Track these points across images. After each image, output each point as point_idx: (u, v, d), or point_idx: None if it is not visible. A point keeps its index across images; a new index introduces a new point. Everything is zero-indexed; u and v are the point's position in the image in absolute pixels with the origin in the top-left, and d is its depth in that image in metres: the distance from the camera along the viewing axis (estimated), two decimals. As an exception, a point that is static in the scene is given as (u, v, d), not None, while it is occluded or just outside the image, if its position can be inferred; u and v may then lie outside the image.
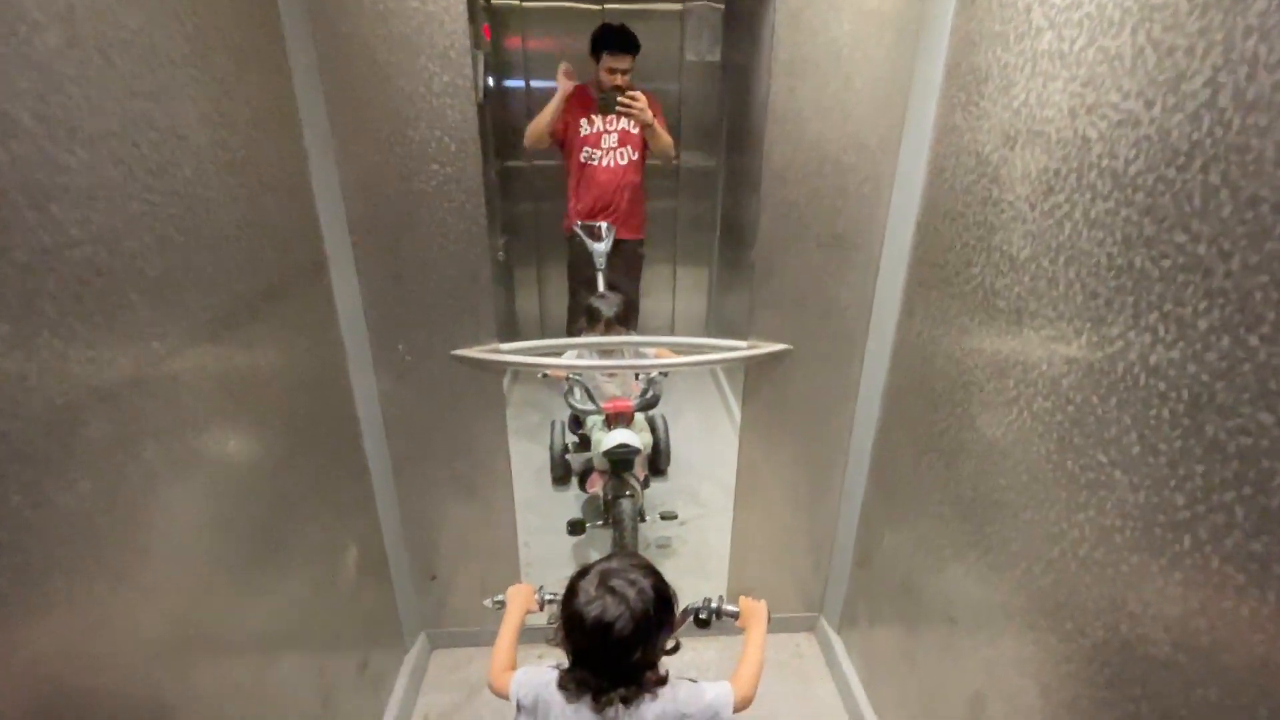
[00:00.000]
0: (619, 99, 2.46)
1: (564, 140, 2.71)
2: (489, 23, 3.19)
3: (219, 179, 0.92)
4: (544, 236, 3.60)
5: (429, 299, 1.41)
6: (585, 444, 2.53)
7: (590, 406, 2.05)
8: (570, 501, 2.50)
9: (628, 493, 2.03)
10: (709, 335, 3.75)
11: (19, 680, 0.61)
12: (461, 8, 1.20)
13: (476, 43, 2.92)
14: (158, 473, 0.79)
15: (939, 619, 1.27)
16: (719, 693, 0.96)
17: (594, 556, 2.29)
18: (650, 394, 2.09)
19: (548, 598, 1.17)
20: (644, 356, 2.15)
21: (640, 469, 2.16)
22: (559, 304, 3.62)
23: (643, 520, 2.09)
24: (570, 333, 2.96)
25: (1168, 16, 0.72)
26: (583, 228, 2.64)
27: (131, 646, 0.75)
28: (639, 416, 2.17)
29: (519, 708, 0.98)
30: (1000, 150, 1.03)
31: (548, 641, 0.99)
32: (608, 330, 2.10)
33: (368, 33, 1.19)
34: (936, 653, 1.29)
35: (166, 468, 0.81)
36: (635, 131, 2.68)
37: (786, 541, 1.77)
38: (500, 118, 3.40)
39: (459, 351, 1.47)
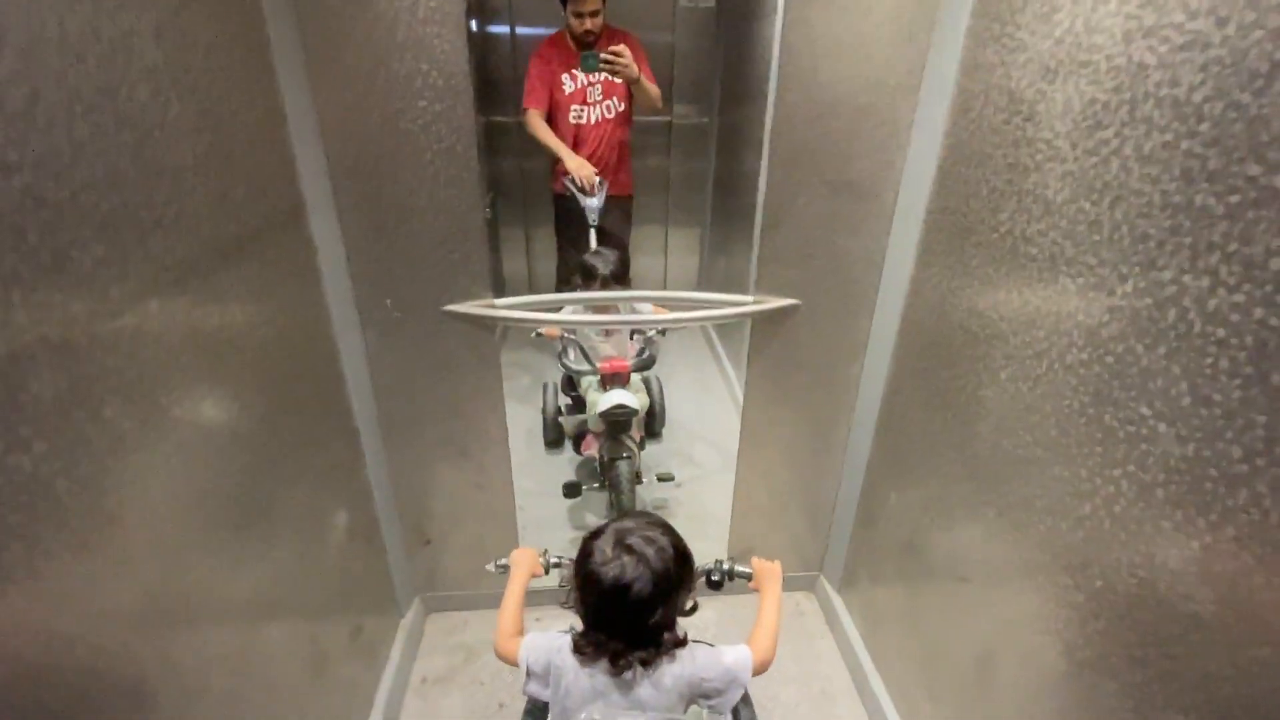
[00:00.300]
0: (602, 57, 2.31)
1: (551, 100, 2.56)
2: (470, -40, 3.00)
3: (179, 105, 0.82)
4: (531, 195, 3.46)
5: (417, 250, 1.32)
6: (579, 406, 2.48)
7: (585, 367, 1.98)
8: (564, 464, 2.45)
9: (624, 454, 1.99)
10: (674, 321, 3.70)
11: (-26, 662, 0.55)
12: (447, -80, 1.08)
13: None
14: (124, 434, 0.72)
15: (947, 577, 1.25)
16: (738, 656, 0.93)
17: (590, 519, 2.31)
18: (647, 354, 2.02)
19: (553, 561, 1.13)
20: (642, 314, 2.07)
21: (636, 430, 2.11)
22: (547, 265, 3.51)
23: (640, 482, 2.05)
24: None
25: (1253, -83, 0.64)
26: (574, 183, 2.52)
27: (102, 620, 0.69)
28: (635, 377, 2.10)
29: (529, 674, 0.94)
30: (1037, 85, 0.96)
31: (560, 604, 0.94)
32: (604, 288, 2.01)
33: (343, -52, 1.07)
34: (943, 611, 1.27)
35: (134, 429, 0.73)
36: (619, 81, 2.55)
37: (788, 501, 1.74)
38: (483, 68, 3.23)
39: (450, 307, 1.39)
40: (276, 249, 1.10)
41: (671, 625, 0.91)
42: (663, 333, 2.01)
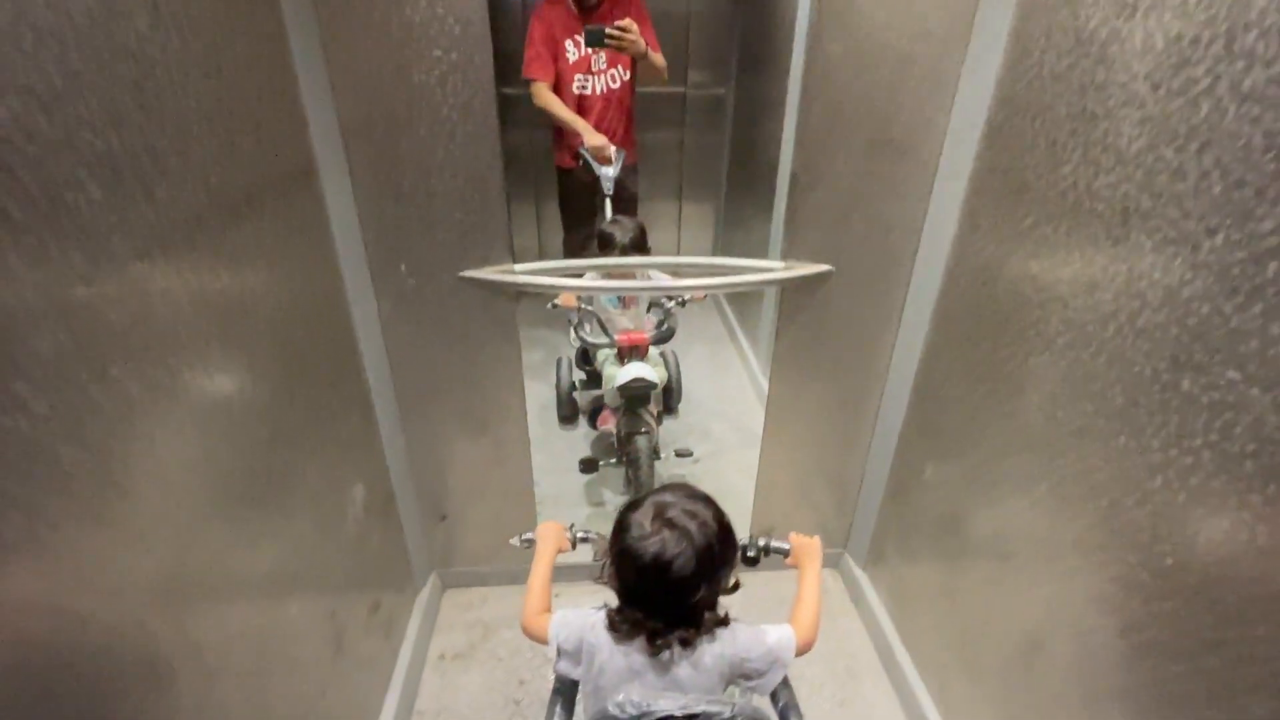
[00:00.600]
0: (607, 32, 2.20)
1: (555, 70, 2.45)
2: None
3: (180, 42, 0.75)
4: (541, 168, 3.35)
5: (432, 212, 1.26)
6: (593, 381, 2.43)
7: (602, 340, 1.92)
8: (578, 440, 2.41)
9: (643, 429, 1.94)
10: (702, 286, 3.60)
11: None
12: None
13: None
14: (133, 398, 0.66)
15: (989, 554, 1.20)
16: (781, 636, 0.88)
17: (607, 495, 2.27)
18: (666, 326, 1.96)
19: (580, 535, 1.08)
20: (655, 272, 2.01)
21: (654, 405, 2.06)
22: (558, 239, 3.43)
23: (658, 458, 2.00)
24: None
25: None
26: (590, 150, 2.43)
27: (116, 597, 0.64)
28: (652, 351, 2.05)
29: (560, 652, 0.89)
30: (1112, 23, 0.88)
31: (594, 580, 0.90)
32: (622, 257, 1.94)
33: (353, -122, 0.99)
34: (983, 589, 1.23)
35: (143, 393, 0.68)
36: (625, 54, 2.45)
37: (813, 476, 1.69)
38: (492, 37, 3.11)
39: (467, 273, 1.32)
40: (288, 209, 1.04)
41: (714, 604, 0.86)
42: (683, 304, 1.94)
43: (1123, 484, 0.88)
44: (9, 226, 0.52)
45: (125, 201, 0.65)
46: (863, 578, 1.72)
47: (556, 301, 1.92)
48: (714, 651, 0.85)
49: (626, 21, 2.17)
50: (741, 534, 1.08)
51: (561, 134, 2.61)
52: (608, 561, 0.87)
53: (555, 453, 2.30)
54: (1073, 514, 0.98)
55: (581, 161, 2.50)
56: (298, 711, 1.04)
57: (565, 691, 0.94)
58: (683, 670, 0.84)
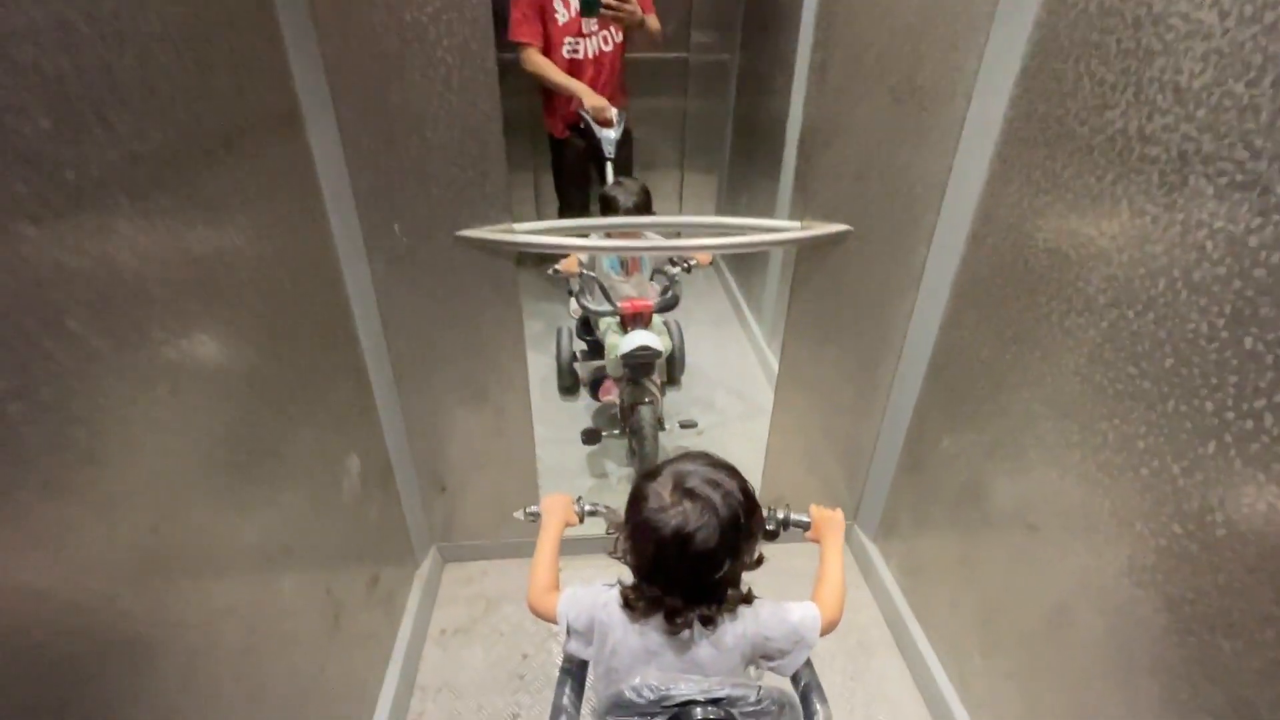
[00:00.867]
0: (603, 1, 2.06)
1: (544, 33, 2.33)
2: None
3: (141, -46, 0.66)
4: (539, 135, 3.22)
5: (427, 165, 1.17)
6: (594, 351, 2.36)
7: (605, 307, 1.85)
8: (580, 411, 2.35)
9: (646, 399, 1.88)
10: (720, 260, 3.50)
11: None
12: None
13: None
14: (96, 353, 0.60)
15: (1013, 525, 1.15)
16: (805, 614, 0.83)
17: (610, 467, 2.22)
18: (670, 294, 1.89)
19: (587, 509, 1.02)
20: (660, 238, 1.94)
21: (658, 375, 1.99)
22: (555, 212, 3.33)
23: (663, 428, 1.94)
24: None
25: None
26: (590, 111, 2.33)
27: (81, 573, 0.58)
28: (656, 319, 1.98)
29: (569, 631, 0.84)
30: (1174, -55, 0.80)
31: (608, 554, 0.84)
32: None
33: None
34: (1005, 561, 1.18)
35: (108, 348, 0.61)
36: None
37: (823, 445, 1.64)
38: None
39: (465, 232, 1.25)
40: (270, 157, 0.96)
41: (737, 579, 0.80)
42: (688, 269, 1.87)
43: (1171, 450, 0.82)
44: (-68, 146, 0.45)
45: (78, 132, 0.58)
46: (873, 550, 1.68)
47: (557, 267, 1.84)
48: (735, 630, 0.79)
49: None
50: (771, 504, 1.03)
51: (553, 101, 2.49)
52: (622, 535, 0.81)
53: (556, 424, 2.24)
54: (1111, 482, 0.92)
55: (582, 124, 2.40)
56: (295, 689, 0.99)
57: (575, 672, 0.89)
58: (703, 650, 0.79)
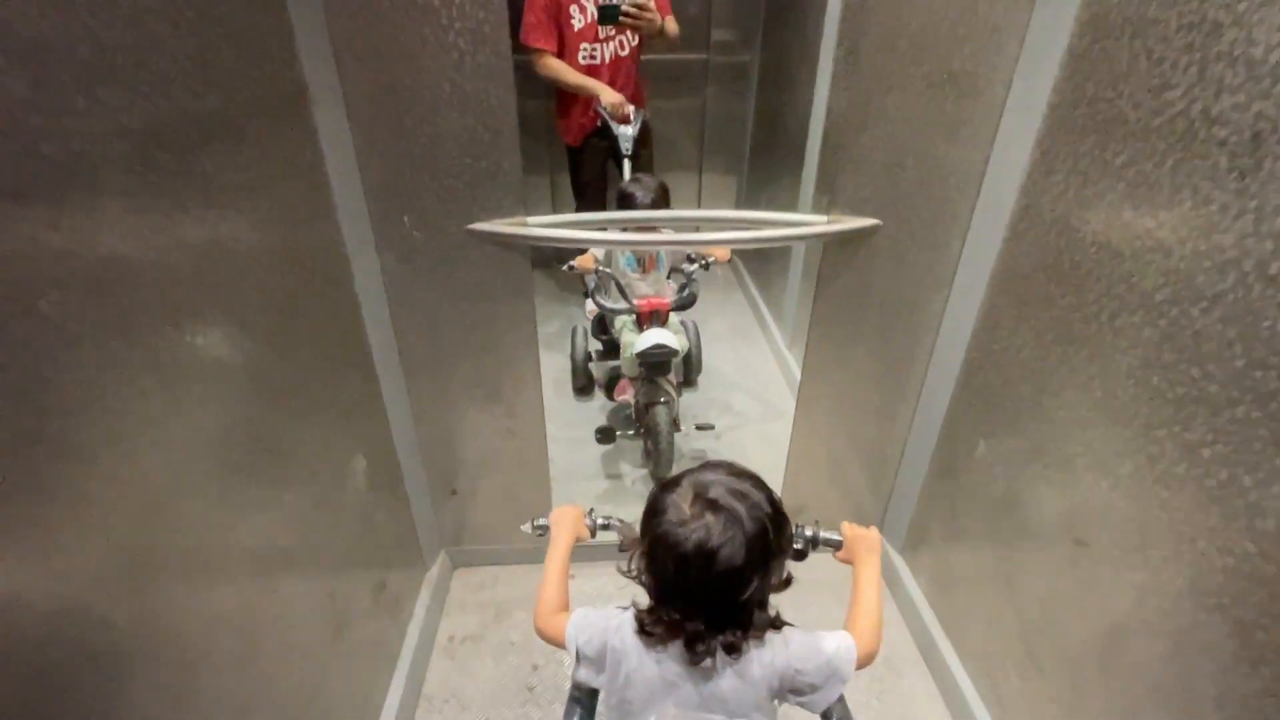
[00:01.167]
0: (623, 9, 1.99)
1: (559, 38, 2.27)
2: None
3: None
4: (556, 139, 3.17)
5: (439, 155, 1.13)
6: (610, 351, 2.31)
7: (621, 305, 1.80)
8: (594, 412, 2.30)
9: (662, 399, 1.82)
10: (738, 259, 3.42)
11: None
12: None
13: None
14: (75, 338, 0.55)
15: (1056, 540, 1.08)
16: (840, 646, 0.75)
17: (625, 469, 2.15)
18: (688, 292, 1.83)
19: (599, 522, 0.96)
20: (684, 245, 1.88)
21: (675, 376, 1.94)
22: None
23: (678, 430, 1.89)
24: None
25: None
26: (607, 108, 2.28)
27: (52, 574, 0.54)
28: (673, 318, 1.92)
29: (579, 657, 0.77)
30: (1248, -94, 0.73)
31: (620, 572, 0.77)
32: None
33: None
34: (1048, 577, 1.10)
35: (89, 333, 0.57)
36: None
37: (848, 451, 1.57)
38: None
39: (477, 225, 1.20)
40: (275, 141, 0.92)
41: (765, 602, 0.73)
42: (706, 266, 1.81)
43: (1243, 460, 0.75)
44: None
45: (57, 100, 0.54)
46: (900, 562, 1.61)
47: (573, 263, 1.80)
48: (763, 660, 0.72)
49: None
50: (800, 521, 0.95)
51: (567, 108, 2.44)
52: (637, 552, 0.75)
53: (571, 425, 2.20)
54: (1170, 495, 0.85)
55: (600, 123, 2.35)
56: (294, 700, 0.95)
57: (584, 701, 0.82)
58: (726, 682, 0.72)
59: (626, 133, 2.28)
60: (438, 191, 1.17)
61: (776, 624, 0.74)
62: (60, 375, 0.54)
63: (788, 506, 1.54)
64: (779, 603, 0.76)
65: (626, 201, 1.83)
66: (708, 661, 0.71)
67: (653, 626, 0.72)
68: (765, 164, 2.89)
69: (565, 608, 0.84)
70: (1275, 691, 0.72)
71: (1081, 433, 1.01)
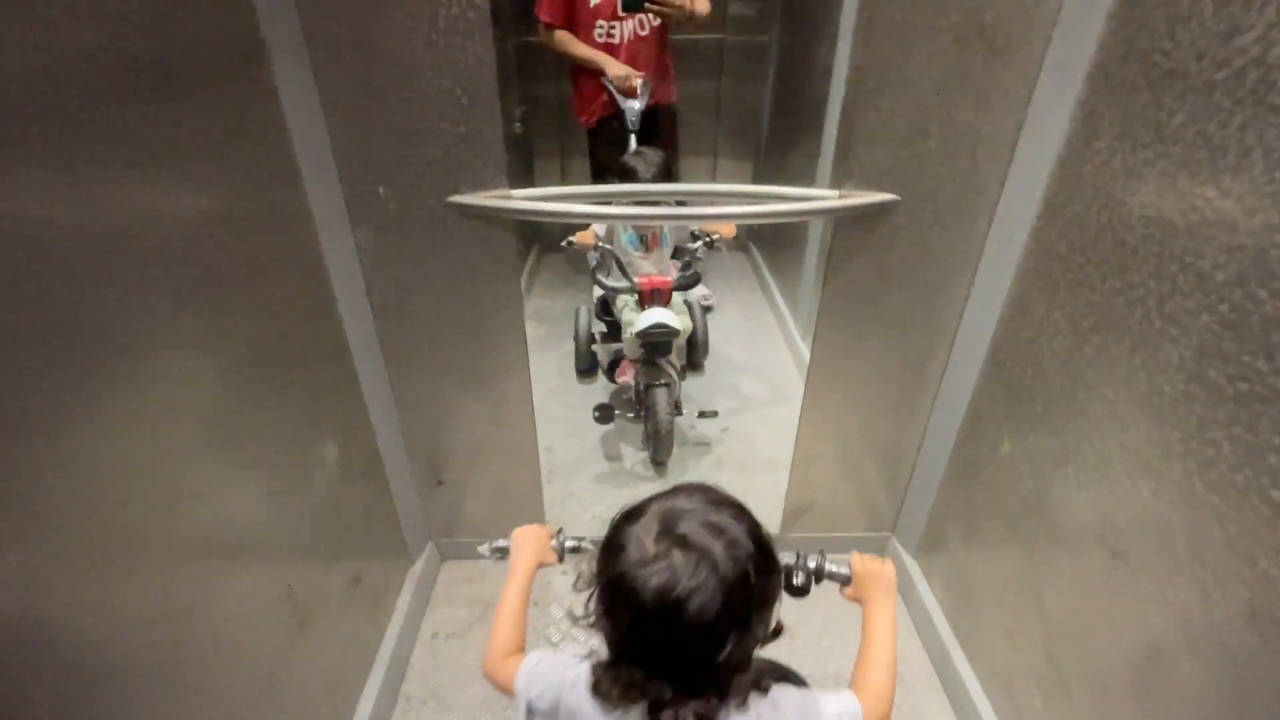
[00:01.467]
0: None
1: (569, 13, 2.16)
2: None
3: None
4: (568, 121, 3.04)
5: (413, 119, 1.04)
6: (614, 333, 2.23)
7: (622, 284, 1.70)
8: (597, 395, 2.23)
9: (663, 381, 1.74)
10: (754, 247, 3.28)
11: None
12: None
13: None
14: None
15: (1090, 548, 0.96)
16: (844, 711, 0.64)
17: (625, 451, 2.05)
18: (691, 271, 1.73)
19: (568, 544, 0.84)
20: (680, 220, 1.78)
21: (677, 358, 1.85)
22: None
23: (679, 413, 1.81)
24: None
25: None
26: (612, 81, 2.17)
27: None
28: (676, 298, 1.83)
29: (529, 711, 0.67)
30: None
31: (574, 621, 0.64)
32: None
33: None
34: (1081, 589, 1.00)
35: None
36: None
37: (860, 445, 1.46)
38: None
39: (457, 198, 1.11)
40: (227, 100, 0.84)
41: (747, 661, 0.60)
42: (710, 244, 1.71)
43: (1320, 469, 0.64)
44: None
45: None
46: (913, 567, 1.51)
47: (572, 239, 1.71)
48: None
49: None
50: (802, 550, 0.80)
51: (581, 89, 2.33)
52: (594, 592, 0.62)
53: (574, 408, 2.12)
54: (1227, 506, 0.74)
55: (606, 96, 2.25)
56: (246, 699, 0.88)
57: None
58: None
59: (634, 106, 2.18)
60: (414, 160, 1.08)
61: (763, 686, 0.62)
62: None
63: (793, 503, 1.43)
64: (784, 626, 0.66)
65: (628, 176, 1.73)
66: None
67: (609, 687, 0.60)
68: (781, 149, 2.75)
69: (520, 649, 0.73)
70: (1351, 740, 0.61)
71: (1121, 432, 0.90)
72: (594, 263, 1.74)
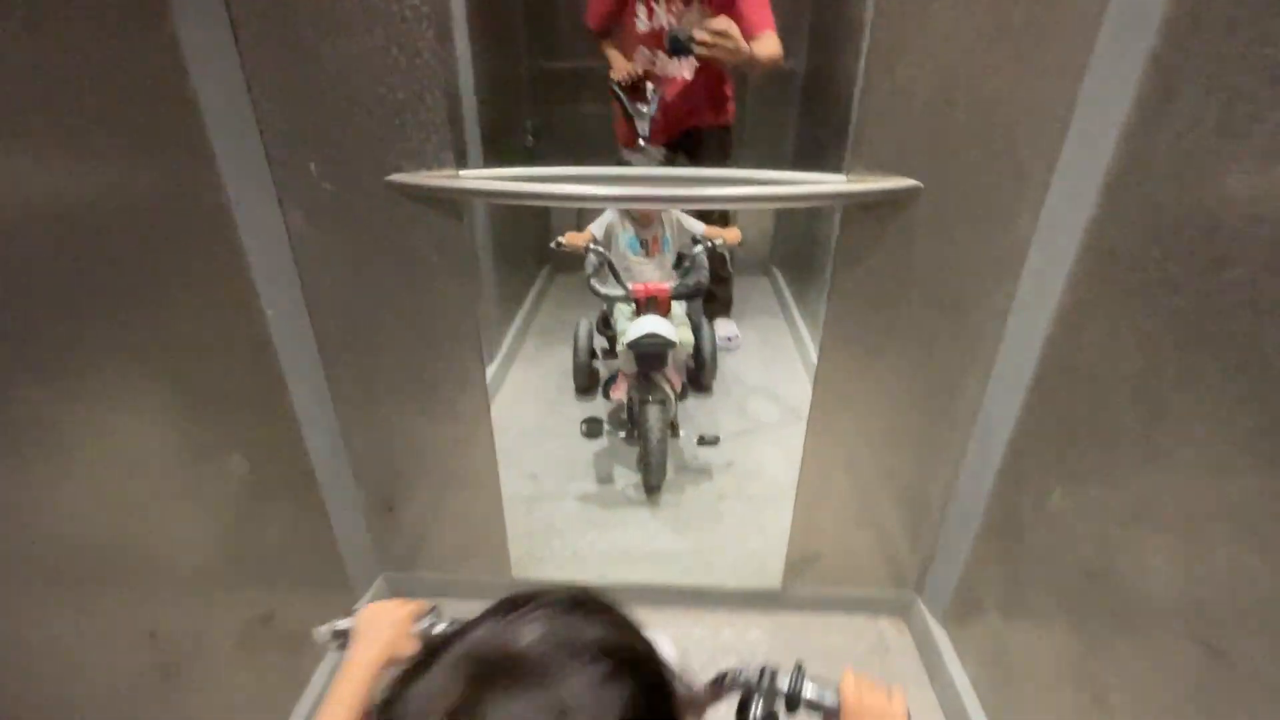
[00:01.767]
0: (696, 37, 1.62)
1: (613, 32, 2.04)
2: None
3: None
4: (587, 147, 2.87)
5: (346, 84, 0.90)
6: (615, 348, 2.07)
7: (617, 290, 1.53)
8: (595, 413, 2.05)
9: (656, 397, 1.55)
10: (777, 271, 3.06)
11: None
12: None
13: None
14: None
15: (1178, 638, 0.72)
16: None
17: (617, 470, 1.80)
18: (693, 280, 1.55)
19: (437, 631, 0.61)
20: (684, 215, 1.68)
21: (675, 375, 1.66)
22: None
23: (675, 435, 1.61)
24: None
25: None
26: (625, 89, 2.04)
27: None
28: (678, 309, 1.65)
29: None
30: None
31: None
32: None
33: None
34: (1167, 692, 0.75)
35: None
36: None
37: (877, 489, 1.23)
38: (538, 6, 2.70)
39: (397, 177, 0.97)
40: (107, 47, 0.71)
41: None
42: (712, 246, 1.54)
43: None
44: None
45: None
46: (941, 637, 1.25)
47: (561, 239, 1.56)
48: None
49: (722, 22, 1.58)
50: (765, 663, 0.56)
51: (623, 117, 2.21)
52: None
53: (572, 423, 1.95)
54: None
55: (613, 95, 2.11)
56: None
57: None
58: None
59: (643, 111, 2.03)
60: (348, 133, 0.94)
61: None
62: None
63: (796, 550, 1.19)
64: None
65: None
66: None
67: None
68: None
69: None
70: None
71: (1218, 482, 0.66)
72: (590, 269, 1.58)
